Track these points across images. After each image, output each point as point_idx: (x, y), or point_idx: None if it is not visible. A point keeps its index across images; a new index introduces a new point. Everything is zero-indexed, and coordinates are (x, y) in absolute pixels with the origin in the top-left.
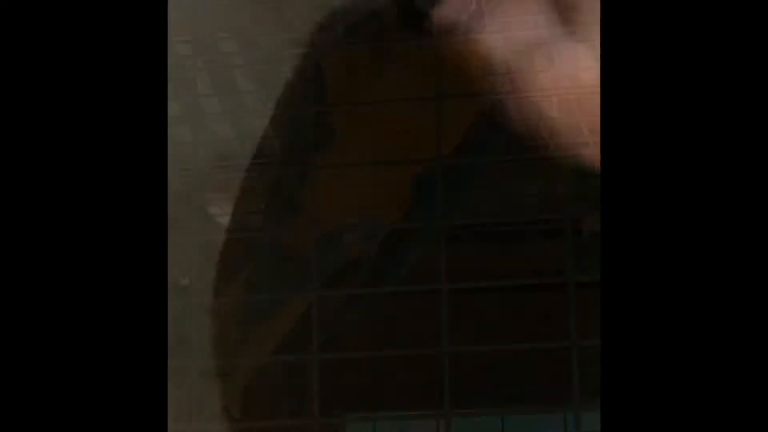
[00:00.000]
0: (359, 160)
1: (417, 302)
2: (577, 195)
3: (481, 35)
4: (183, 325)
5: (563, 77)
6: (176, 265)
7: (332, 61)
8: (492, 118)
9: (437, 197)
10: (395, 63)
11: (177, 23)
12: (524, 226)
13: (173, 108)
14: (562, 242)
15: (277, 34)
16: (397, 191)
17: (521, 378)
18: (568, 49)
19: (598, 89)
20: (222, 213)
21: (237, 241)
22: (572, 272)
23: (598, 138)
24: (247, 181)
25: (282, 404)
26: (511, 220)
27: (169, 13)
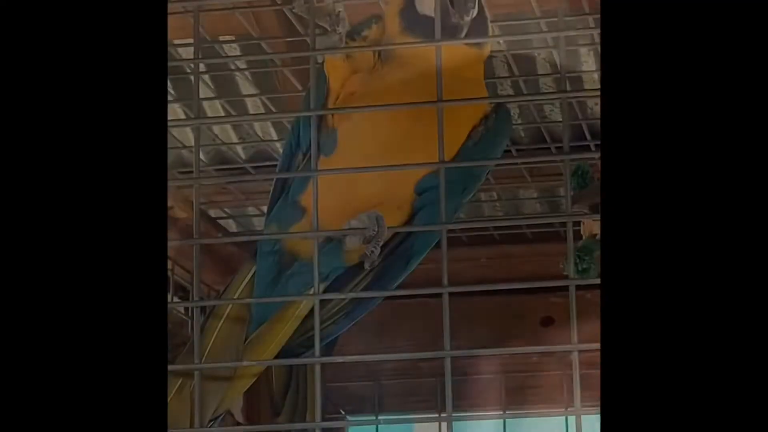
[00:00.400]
0: (361, 164)
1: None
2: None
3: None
4: (184, 328)
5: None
6: (177, 266)
7: (334, 65)
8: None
9: (439, 201)
10: (397, 67)
11: (178, 26)
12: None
13: (175, 110)
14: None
15: (279, 38)
16: (399, 195)
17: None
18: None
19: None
20: (223, 215)
21: (239, 243)
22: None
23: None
24: (249, 184)
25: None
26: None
27: (169, 15)
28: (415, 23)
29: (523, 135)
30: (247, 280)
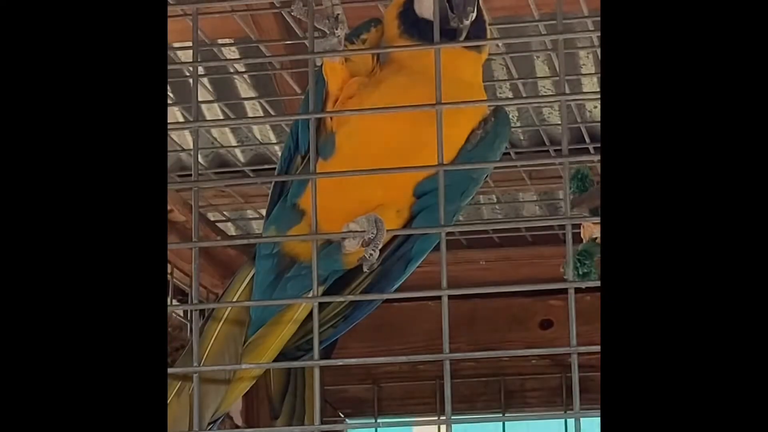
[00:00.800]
0: (360, 167)
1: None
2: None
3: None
4: (183, 331)
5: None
6: (176, 270)
7: (333, 68)
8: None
9: (438, 204)
10: (395, 70)
11: (177, 29)
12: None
13: (174, 113)
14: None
15: (278, 41)
16: (398, 198)
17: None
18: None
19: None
20: (222, 218)
21: (237, 246)
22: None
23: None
24: (248, 188)
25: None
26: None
27: (168, 19)
28: (414, 26)
29: (522, 138)
30: (246, 282)
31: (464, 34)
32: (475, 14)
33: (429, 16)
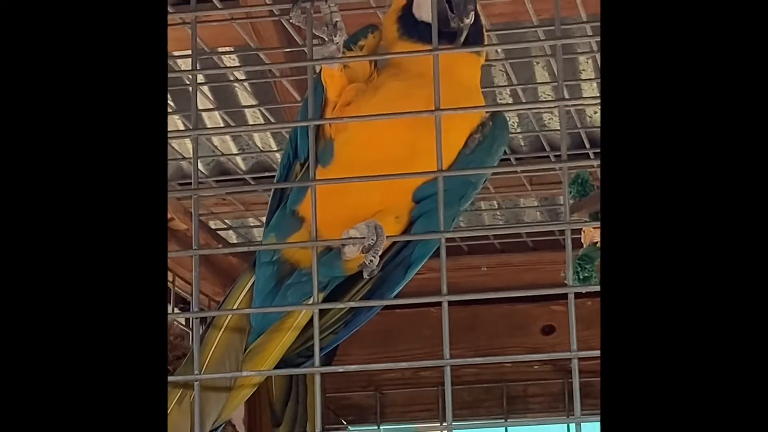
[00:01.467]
0: (359, 173)
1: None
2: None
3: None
4: (185, 340)
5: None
6: (177, 278)
7: (332, 75)
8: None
9: (437, 209)
10: (393, 74)
11: (176, 38)
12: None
13: (174, 122)
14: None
15: (278, 48)
16: (397, 203)
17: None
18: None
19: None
20: (223, 226)
21: (238, 254)
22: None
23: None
24: (248, 195)
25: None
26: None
27: (168, 28)
28: (413, 30)
29: (522, 143)
30: (246, 290)
31: (464, 34)
32: (474, 14)
33: (428, 20)
